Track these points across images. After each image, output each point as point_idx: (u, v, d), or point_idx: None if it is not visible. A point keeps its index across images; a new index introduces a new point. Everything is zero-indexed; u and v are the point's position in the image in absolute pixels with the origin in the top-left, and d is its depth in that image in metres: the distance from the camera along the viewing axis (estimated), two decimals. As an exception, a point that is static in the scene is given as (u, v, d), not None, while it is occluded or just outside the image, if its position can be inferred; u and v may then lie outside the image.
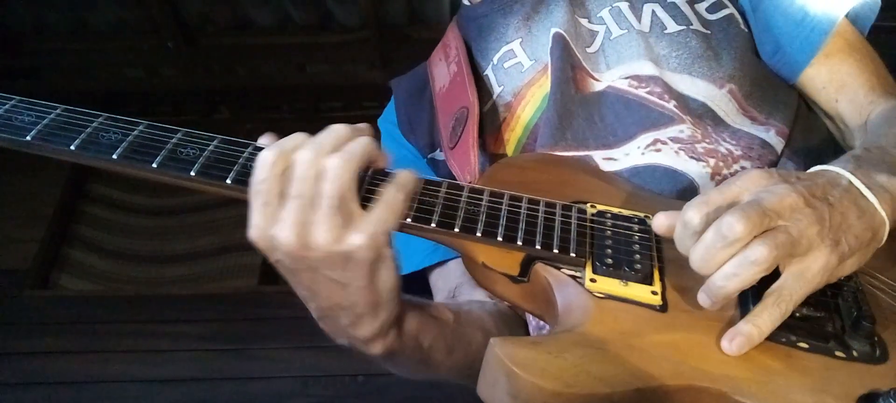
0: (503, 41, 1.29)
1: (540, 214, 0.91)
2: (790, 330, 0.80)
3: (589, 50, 1.22)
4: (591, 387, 0.74)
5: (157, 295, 4.16)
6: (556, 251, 0.88)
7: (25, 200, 4.42)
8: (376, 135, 1.35)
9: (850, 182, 0.81)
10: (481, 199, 0.91)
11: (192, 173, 0.86)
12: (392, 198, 0.83)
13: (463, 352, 1.09)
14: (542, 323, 1.10)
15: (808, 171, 0.84)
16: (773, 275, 0.77)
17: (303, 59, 4.75)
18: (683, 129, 1.10)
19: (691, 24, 1.19)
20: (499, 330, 1.17)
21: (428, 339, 1.03)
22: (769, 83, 1.18)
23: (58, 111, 0.91)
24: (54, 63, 4.70)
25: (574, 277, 0.87)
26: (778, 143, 1.12)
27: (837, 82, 1.14)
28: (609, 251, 0.89)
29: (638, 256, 0.88)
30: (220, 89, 4.95)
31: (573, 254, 0.88)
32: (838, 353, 0.81)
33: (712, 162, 1.08)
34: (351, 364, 3.60)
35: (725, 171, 1.08)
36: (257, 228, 0.82)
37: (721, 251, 0.74)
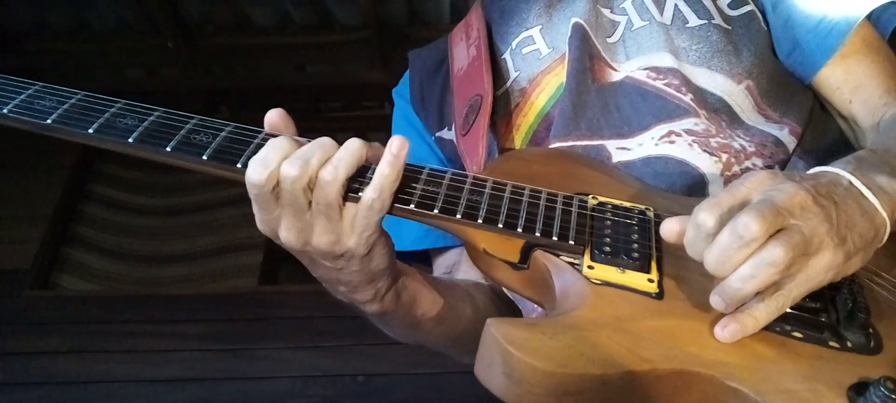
0: (523, 26, 1.30)
1: (541, 203, 0.93)
2: (785, 320, 0.81)
3: (609, 40, 1.23)
4: (583, 368, 0.75)
5: (157, 295, 4.17)
6: (555, 238, 0.89)
7: (25, 200, 4.43)
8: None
9: (851, 182, 0.81)
10: (484, 188, 0.93)
11: (205, 157, 0.88)
12: (368, 200, 0.86)
13: (451, 325, 1.13)
14: (534, 306, 1.12)
15: (810, 172, 0.84)
16: None
17: (303, 59, 4.76)
18: (698, 123, 1.11)
19: (713, 19, 1.19)
20: (488, 310, 1.20)
21: (421, 308, 1.08)
22: (785, 82, 1.18)
23: (78, 96, 0.94)
24: (54, 63, 4.71)
25: (572, 264, 0.88)
26: (790, 142, 1.12)
27: (853, 83, 1.14)
28: (607, 239, 0.90)
29: (636, 245, 0.89)
30: (220, 89, 4.97)
31: (572, 242, 0.89)
32: (832, 343, 0.82)
33: (725, 157, 1.08)
34: (351, 364, 3.61)
35: (736, 167, 1.08)
36: (261, 223, 0.88)
37: (737, 252, 0.74)
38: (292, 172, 0.82)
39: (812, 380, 0.77)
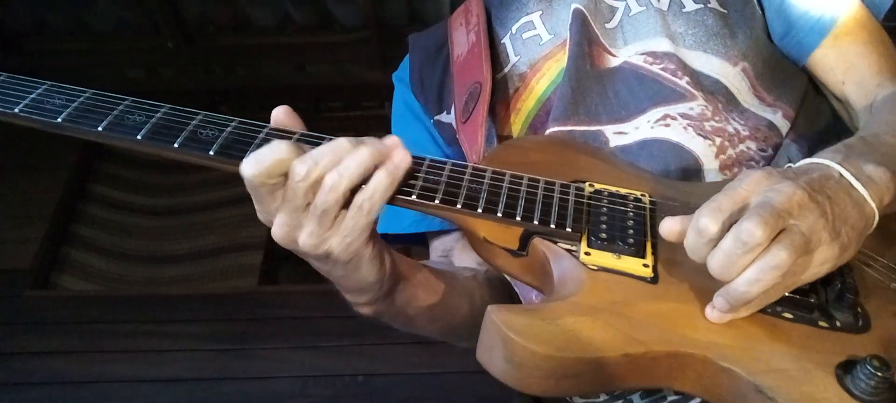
0: (523, 11, 1.31)
1: (539, 192, 0.95)
2: (776, 302, 0.83)
3: (608, 25, 1.24)
4: (581, 352, 0.77)
5: (157, 295, 4.18)
6: (553, 226, 0.91)
7: (25, 200, 4.44)
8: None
9: (841, 174, 0.83)
10: (483, 178, 0.94)
11: (211, 153, 0.90)
12: (355, 217, 0.87)
13: (446, 321, 1.15)
14: (534, 293, 1.13)
15: (800, 165, 0.86)
16: None
17: (303, 59, 4.77)
18: (694, 106, 1.12)
19: (709, 3, 1.21)
20: (485, 303, 1.20)
21: (414, 309, 1.09)
22: (779, 65, 1.20)
23: (87, 94, 0.95)
24: (54, 63, 4.72)
25: (570, 251, 0.90)
26: (784, 126, 1.14)
27: (845, 65, 1.15)
28: (604, 226, 0.92)
29: (632, 231, 0.91)
30: (220, 89, 4.98)
31: (569, 229, 0.91)
32: (822, 323, 0.84)
33: (719, 140, 1.10)
34: (351, 364, 3.62)
35: (730, 151, 1.10)
36: (258, 212, 0.90)
37: (742, 257, 0.75)
38: (301, 170, 0.82)
39: (802, 360, 0.79)
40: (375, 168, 0.86)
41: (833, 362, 0.79)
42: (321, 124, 5.09)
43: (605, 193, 0.97)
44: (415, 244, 1.36)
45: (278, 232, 0.87)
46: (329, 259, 0.89)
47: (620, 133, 1.14)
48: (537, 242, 0.92)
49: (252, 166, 0.83)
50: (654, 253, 0.90)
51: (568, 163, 1.05)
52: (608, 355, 0.78)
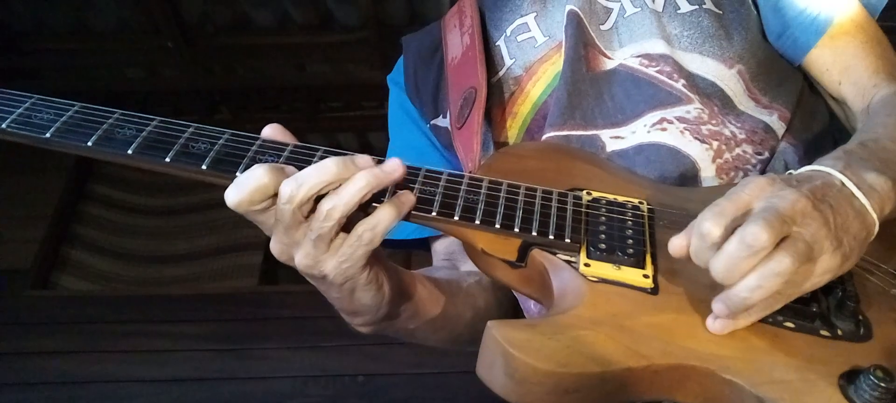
0: (517, 13, 1.30)
1: (537, 202, 0.94)
2: (777, 311, 0.82)
3: (603, 27, 1.24)
4: (583, 367, 0.77)
5: (157, 295, 4.19)
6: (551, 237, 0.90)
7: (25, 200, 4.44)
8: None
9: (843, 183, 0.82)
10: (480, 188, 0.93)
11: (204, 167, 0.89)
12: (353, 245, 0.87)
13: (449, 332, 1.15)
14: (535, 303, 1.12)
15: (801, 172, 0.85)
16: None
17: (303, 59, 4.77)
18: (690, 110, 1.12)
19: (704, 4, 1.20)
20: (490, 310, 1.20)
21: (415, 323, 1.09)
22: (774, 66, 1.19)
23: (75, 108, 0.94)
24: (54, 63, 4.73)
25: (569, 262, 0.89)
26: (780, 128, 1.13)
27: (842, 64, 1.14)
28: (603, 236, 0.91)
29: (631, 241, 0.91)
30: (220, 89, 4.98)
31: (568, 240, 0.90)
32: (823, 332, 0.83)
33: (715, 144, 1.10)
34: (351, 364, 3.62)
35: (727, 154, 1.09)
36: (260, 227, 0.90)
37: (745, 261, 0.74)
38: (286, 192, 0.82)
39: (804, 370, 0.79)
40: (372, 192, 0.85)
41: (836, 372, 0.78)
42: (321, 124, 5.12)
43: (603, 201, 0.96)
44: (417, 248, 1.35)
45: (275, 248, 0.89)
46: (324, 280, 0.89)
47: (617, 137, 1.13)
48: (536, 253, 0.91)
49: (234, 194, 0.83)
50: (653, 263, 0.89)
51: (564, 170, 1.04)
52: (610, 369, 0.77)
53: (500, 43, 1.29)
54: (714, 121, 1.11)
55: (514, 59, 1.26)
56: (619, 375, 0.78)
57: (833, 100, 1.18)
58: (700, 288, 0.83)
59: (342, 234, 0.86)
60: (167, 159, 0.89)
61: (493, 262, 0.93)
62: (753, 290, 0.75)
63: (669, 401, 0.97)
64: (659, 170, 1.08)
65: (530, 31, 1.27)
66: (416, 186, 0.91)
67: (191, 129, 0.92)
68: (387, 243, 1.20)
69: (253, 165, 0.85)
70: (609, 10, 1.24)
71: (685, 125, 1.10)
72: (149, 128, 0.92)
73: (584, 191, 0.98)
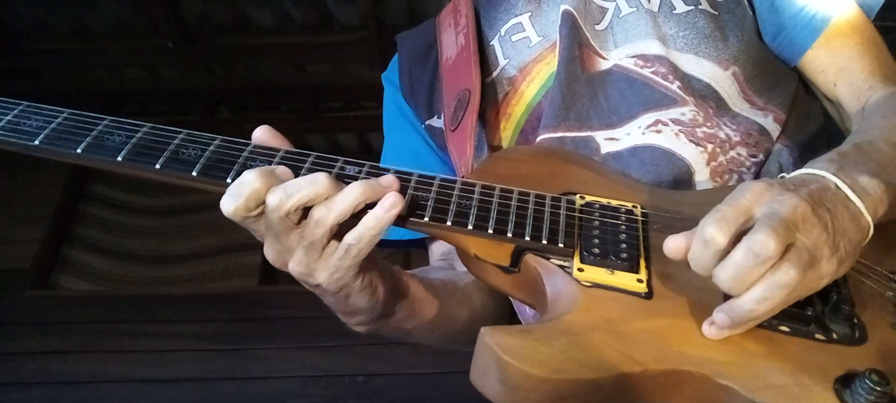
0: (512, 13, 1.30)
1: (530, 206, 0.93)
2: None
3: (598, 27, 1.23)
4: (577, 373, 0.76)
5: (157, 295, 4.19)
6: (544, 242, 0.90)
7: (25, 200, 4.44)
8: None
9: (838, 186, 0.82)
10: (473, 193, 0.93)
11: (194, 173, 0.89)
12: (342, 257, 0.87)
13: (445, 331, 1.15)
14: (527, 308, 1.13)
15: (795, 176, 0.84)
16: None
17: (303, 59, 4.76)
18: (685, 112, 1.12)
19: (700, 5, 1.20)
20: (486, 310, 1.20)
21: (411, 323, 1.09)
22: (770, 67, 1.19)
23: (64, 115, 0.93)
24: (54, 63, 4.72)
25: (562, 267, 0.89)
26: (774, 130, 1.13)
27: (837, 66, 1.14)
28: (596, 241, 0.90)
29: (624, 245, 0.90)
30: (220, 89, 4.98)
31: (561, 245, 0.90)
32: (818, 336, 0.83)
33: (710, 147, 1.09)
34: (351, 364, 3.62)
35: (721, 157, 1.09)
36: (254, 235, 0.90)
37: (753, 270, 0.73)
38: (272, 202, 0.82)
39: (799, 374, 0.78)
40: (366, 204, 0.85)
41: (831, 376, 0.78)
42: (321, 124, 5.12)
43: (597, 206, 0.96)
44: (413, 248, 1.35)
45: (270, 255, 0.89)
46: (318, 287, 0.90)
47: (612, 139, 1.13)
48: (529, 258, 0.90)
49: (230, 203, 0.83)
50: (647, 268, 0.88)
51: (558, 173, 1.04)
52: (604, 375, 0.76)
53: (495, 43, 1.29)
54: (709, 124, 1.11)
55: (508, 59, 1.26)
56: (614, 381, 0.77)
57: (828, 101, 1.18)
58: (694, 293, 0.83)
59: (334, 242, 0.86)
60: (157, 166, 0.88)
61: (487, 267, 0.92)
62: (759, 302, 0.75)
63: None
64: (653, 173, 1.08)
65: (525, 30, 1.27)
66: (409, 192, 0.91)
67: (181, 135, 0.92)
68: (385, 243, 1.20)
69: (244, 171, 0.85)
70: (604, 10, 1.24)
71: (680, 127, 1.10)
72: (139, 135, 0.91)
73: (578, 195, 0.98)
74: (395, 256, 1.20)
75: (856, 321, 0.84)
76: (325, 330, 3.59)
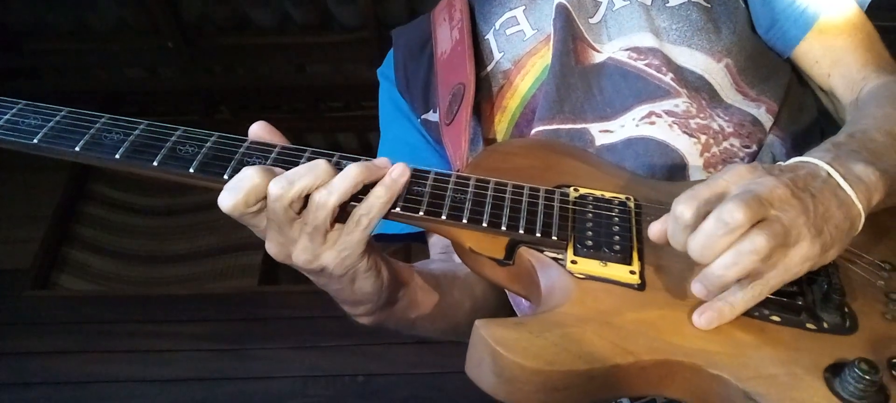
0: (506, 7, 1.30)
1: (524, 199, 0.94)
2: (763, 305, 0.83)
3: (591, 20, 1.24)
4: (570, 364, 0.77)
5: (157, 295, 4.18)
6: (538, 235, 0.91)
7: (25, 200, 4.44)
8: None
9: (829, 174, 0.83)
10: (467, 187, 0.94)
11: (191, 170, 0.89)
12: (350, 231, 0.88)
13: (448, 321, 1.16)
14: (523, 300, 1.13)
15: (788, 163, 0.86)
16: None
17: (303, 59, 4.77)
18: (679, 103, 1.12)
19: None
20: (487, 300, 1.21)
21: (416, 312, 1.10)
22: (763, 59, 1.20)
23: (62, 113, 0.94)
24: (54, 63, 4.73)
25: (556, 259, 0.90)
26: (767, 121, 1.14)
27: (831, 57, 1.15)
28: (590, 233, 0.91)
29: (617, 237, 0.91)
30: (220, 89, 4.98)
31: (555, 237, 0.91)
32: (809, 325, 0.84)
33: (703, 138, 1.10)
34: (351, 364, 3.62)
35: (715, 148, 1.10)
36: (253, 231, 0.91)
37: (722, 238, 0.75)
38: (275, 191, 0.83)
39: (790, 364, 0.79)
40: (365, 184, 0.87)
41: (821, 365, 0.79)
42: (321, 124, 5.12)
43: (590, 198, 0.97)
44: (414, 242, 1.35)
45: (272, 249, 0.89)
46: (324, 273, 0.90)
47: (606, 131, 1.14)
48: (523, 251, 0.91)
49: (229, 198, 0.84)
50: (640, 259, 0.89)
51: (552, 166, 1.05)
52: (597, 366, 0.77)
53: (489, 36, 1.30)
54: (702, 115, 1.12)
55: (502, 53, 1.26)
56: (607, 372, 0.78)
57: (822, 92, 1.19)
58: (686, 283, 0.84)
59: (337, 225, 0.87)
60: (155, 163, 0.89)
61: (482, 260, 0.93)
62: (728, 268, 0.76)
63: (658, 397, 0.97)
64: (647, 164, 1.09)
65: (519, 24, 1.27)
66: (404, 187, 0.91)
67: (178, 132, 0.93)
68: (385, 237, 1.21)
69: (241, 168, 0.86)
70: (598, 4, 1.25)
71: (673, 119, 1.11)
72: (136, 133, 0.92)
73: (572, 188, 0.99)
74: (395, 251, 1.21)
75: (846, 310, 0.85)
76: (325, 330, 3.60)
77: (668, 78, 1.14)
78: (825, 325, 0.84)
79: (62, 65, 4.75)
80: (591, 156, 1.11)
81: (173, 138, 0.92)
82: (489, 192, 0.93)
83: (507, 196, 0.94)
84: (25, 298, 4.04)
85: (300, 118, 5.04)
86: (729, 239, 0.75)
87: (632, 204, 0.97)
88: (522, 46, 1.25)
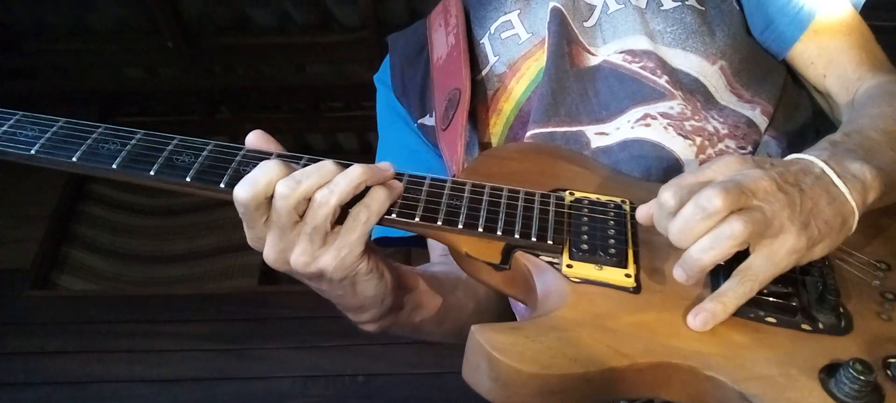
0: (501, 11, 1.31)
1: (519, 204, 0.94)
2: (758, 306, 0.84)
3: (586, 24, 1.24)
4: (566, 368, 0.77)
5: (157, 295, 4.19)
6: (533, 239, 0.91)
7: (25, 200, 4.44)
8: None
9: (823, 170, 0.83)
10: (463, 192, 0.94)
11: (188, 179, 0.90)
12: (350, 229, 0.88)
13: (452, 323, 1.16)
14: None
15: (784, 159, 0.86)
16: (744, 255, 0.80)
17: (303, 59, 4.77)
18: (674, 105, 1.13)
19: (687, 0, 1.21)
20: (490, 302, 1.21)
21: (420, 315, 1.10)
22: (757, 61, 1.20)
23: (59, 124, 0.95)
24: (54, 63, 4.72)
25: (552, 263, 0.90)
26: (762, 122, 1.14)
27: (826, 58, 1.16)
28: (585, 237, 0.91)
29: (613, 241, 0.91)
30: (220, 89, 4.98)
31: (550, 242, 0.91)
32: (805, 326, 0.84)
33: (698, 140, 1.11)
34: (351, 364, 3.62)
35: (710, 150, 1.10)
36: (250, 240, 0.91)
37: (700, 223, 0.76)
38: (283, 190, 0.83)
39: (785, 365, 0.79)
40: (366, 186, 0.87)
41: (817, 366, 0.79)
42: (321, 124, 5.12)
43: (586, 202, 0.97)
44: (414, 247, 1.35)
45: (270, 254, 0.89)
46: (323, 277, 0.90)
47: (601, 133, 1.14)
48: (519, 256, 0.92)
49: (247, 189, 0.84)
50: (635, 262, 0.90)
51: (547, 170, 1.05)
52: (593, 370, 0.78)
53: (485, 41, 1.30)
54: (697, 117, 1.12)
55: (497, 57, 1.27)
56: (603, 375, 0.78)
57: (818, 93, 1.20)
58: (682, 286, 0.84)
59: (337, 227, 0.87)
60: (151, 172, 0.90)
61: (478, 265, 0.94)
62: (705, 251, 0.77)
63: (655, 399, 0.97)
64: (643, 167, 1.09)
65: (514, 28, 1.28)
66: (399, 194, 0.92)
67: (174, 142, 0.93)
68: (386, 241, 1.21)
69: (238, 176, 0.86)
70: (592, 7, 1.25)
71: (669, 121, 1.11)
72: (133, 142, 0.93)
73: (567, 192, 0.99)
74: (395, 255, 1.21)
75: (842, 310, 0.85)
76: (325, 330, 3.60)
77: (662, 80, 1.14)
78: (820, 326, 0.84)
79: (62, 65, 4.75)
80: (587, 160, 1.11)
81: (170, 147, 0.92)
82: (484, 197, 0.94)
83: (502, 201, 0.94)
84: (25, 298, 4.04)
85: (300, 118, 5.04)
86: (706, 224, 0.76)
87: (627, 208, 0.97)
88: (517, 50, 1.25)
